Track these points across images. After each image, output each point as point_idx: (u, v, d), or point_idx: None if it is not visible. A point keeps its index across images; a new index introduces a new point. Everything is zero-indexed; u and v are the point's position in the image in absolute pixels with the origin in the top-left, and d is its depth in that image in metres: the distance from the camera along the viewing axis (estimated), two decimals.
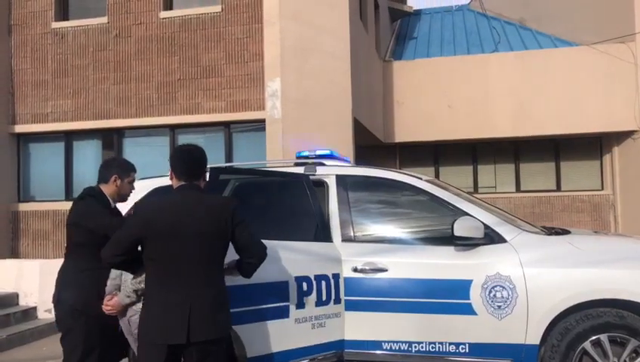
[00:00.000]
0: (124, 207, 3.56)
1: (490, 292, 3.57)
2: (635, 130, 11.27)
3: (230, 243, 2.90)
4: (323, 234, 3.91)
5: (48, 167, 10.25)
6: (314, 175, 4.13)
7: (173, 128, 9.64)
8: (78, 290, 3.30)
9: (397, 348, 3.71)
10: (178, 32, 9.46)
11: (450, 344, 3.64)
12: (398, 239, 4.03)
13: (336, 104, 8.38)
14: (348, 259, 3.83)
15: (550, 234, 4.05)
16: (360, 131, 9.35)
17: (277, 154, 8.29)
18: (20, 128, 10.09)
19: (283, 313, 3.49)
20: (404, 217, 4.23)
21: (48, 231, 9.95)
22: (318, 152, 4.45)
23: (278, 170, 4.27)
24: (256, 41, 9.13)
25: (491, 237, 3.69)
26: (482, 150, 12.86)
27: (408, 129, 12.10)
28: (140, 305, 2.95)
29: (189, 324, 2.63)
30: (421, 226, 4.15)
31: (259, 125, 9.05)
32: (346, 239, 3.94)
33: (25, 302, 6.84)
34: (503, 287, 3.56)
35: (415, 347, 3.69)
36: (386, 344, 3.73)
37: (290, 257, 3.61)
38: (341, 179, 4.13)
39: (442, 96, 11.83)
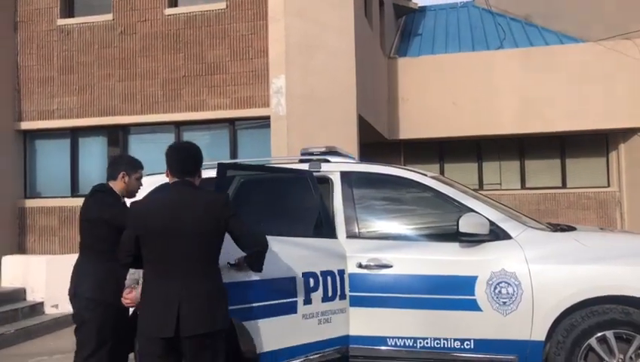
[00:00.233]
0: None
1: (495, 288, 3.57)
2: None
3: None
4: (328, 230, 3.92)
5: (54, 164, 10.29)
6: (319, 171, 4.14)
7: (179, 125, 9.66)
8: (94, 284, 3.36)
9: (402, 343, 3.72)
10: (183, 28, 9.47)
11: (455, 340, 3.65)
12: (402, 235, 4.04)
13: (341, 101, 8.38)
14: (353, 255, 3.84)
15: (556, 230, 4.05)
16: (364, 128, 9.34)
17: (282, 151, 8.30)
18: (26, 125, 10.14)
19: (291, 309, 3.50)
20: (408, 214, 4.24)
21: (54, 227, 10.00)
22: (323, 149, 4.45)
23: (282, 167, 4.28)
24: (261, 37, 9.13)
25: (496, 234, 3.70)
26: (487, 147, 12.83)
27: (413, 126, 12.09)
28: None
29: (178, 319, 2.67)
30: (426, 223, 4.15)
31: (263, 122, 9.06)
32: (351, 235, 3.95)
33: (32, 297, 6.89)
34: (508, 284, 3.56)
35: (420, 343, 3.70)
36: (391, 339, 3.74)
37: (296, 253, 3.63)
38: (346, 176, 4.14)
39: (447, 93, 11.80)
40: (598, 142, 12.51)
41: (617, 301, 3.47)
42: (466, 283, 3.61)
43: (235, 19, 9.29)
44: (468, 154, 12.93)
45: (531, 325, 3.53)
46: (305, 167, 4.19)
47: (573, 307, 3.50)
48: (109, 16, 9.78)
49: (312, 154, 4.42)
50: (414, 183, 4.07)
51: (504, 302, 3.56)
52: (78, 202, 10.56)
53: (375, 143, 11.74)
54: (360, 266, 3.80)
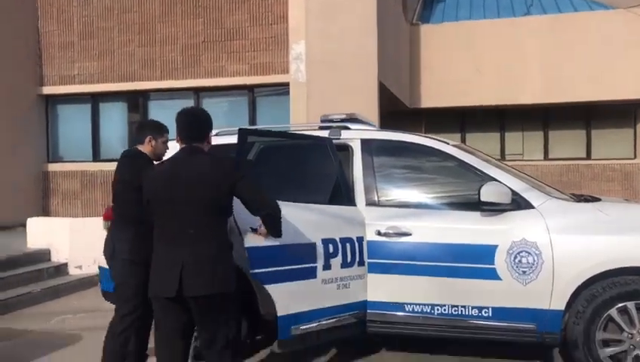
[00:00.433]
0: None
1: (515, 257, 3.55)
2: None
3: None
4: (347, 198, 3.92)
5: (76, 129, 10.41)
6: (338, 139, 4.11)
7: (198, 91, 9.65)
8: (130, 245, 3.42)
9: (419, 310, 3.74)
10: None
11: (472, 307, 3.65)
12: (422, 204, 4.01)
13: (362, 67, 8.26)
14: (372, 222, 3.84)
15: (579, 201, 3.99)
16: (385, 96, 9.22)
17: (301, 118, 8.25)
18: (47, 90, 10.22)
19: (311, 274, 3.53)
20: (429, 182, 4.20)
21: (77, 191, 10.17)
22: (343, 116, 4.41)
23: (302, 134, 4.25)
24: (280, 2, 8.99)
25: (518, 203, 3.65)
26: (510, 116, 12.61)
27: (435, 94, 11.91)
28: None
29: (180, 279, 2.75)
30: (446, 191, 4.11)
31: (283, 89, 8.99)
32: (370, 203, 3.94)
33: (56, 258, 7.04)
34: (529, 253, 3.54)
35: (437, 309, 3.71)
36: (408, 306, 3.76)
37: (316, 220, 3.64)
38: (366, 143, 4.10)
39: (471, 60, 11.57)
40: (625, 113, 12.20)
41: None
42: (486, 252, 3.59)
43: None
44: (490, 123, 12.74)
45: (551, 295, 3.51)
46: (325, 134, 4.16)
47: (594, 277, 3.47)
48: None
49: (332, 121, 4.39)
50: (436, 151, 4.02)
51: (524, 272, 3.54)
52: (100, 167, 10.74)
53: (396, 111, 11.61)
54: (379, 234, 3.80)
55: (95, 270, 5.36)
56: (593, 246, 3.49)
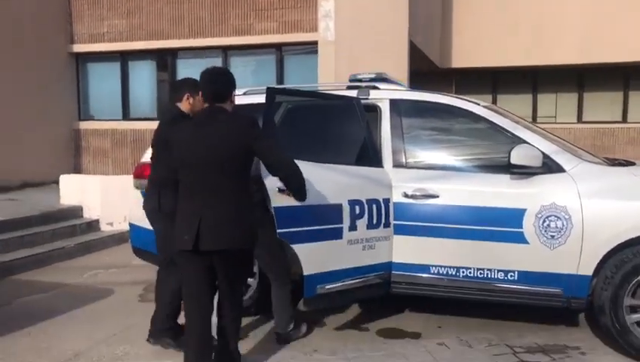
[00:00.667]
0: None
1: (544, 221, 3.50)
2: None
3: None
4: (374, 159, 3.89)
5: (106, 87, 10.50)
6: (367, 99, 4.06)
7: (225, 50, 9.60)
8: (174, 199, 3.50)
9: (444, 272, 3.74)
10: None
11: (498, 271, 3.63)
12: (451, 166, 3.96)
13: (392, 26, 8.07)
14: (398, 184, 3.82)
15: (613, 165, 3.89)
16: (416, 55, 9.03)
17: (329, 78, 8.16)
18: (78, 47, 10.29)
19: (337, 234, 3.54)
20: (458, 144, 4.13)
21: (107, 149, 10.35)
22: (372, 75, 4.34)
23: (330, 93, 4.20)
24: None
25: (549, 167, 3.58)
26: (544, 77, 12.26)
27: (466, 54, 11.63)
28: None
29: (197, 234, 2.85)
30: (476, 153, 4.04)
31: (311, 48, 8.87)
32: (398, 165, 3.91)
33: (88, 214, 7.23)
34: (558, 217, 3.48)
35: (462, 272, 3.71)
36: (434, 268, 3.76)
37: (343, 181, 3.63)
38: (395, 104, 4.04)
39: (504, 19, 11.22)
40: None
41: None
42: (514, 216, 3.55)
43: None
44: (522, 84, 12.42)
45: (579, 260, 3.47)
46: (353, 94, 4.11)
47: (624, 243, 3.40)
48: None
49: (360, 80, 4.33)
50: (466, 113, 3.94)
51: (552, 236, 3.49)
52: (130, 125, 10.84)
53: (426, 72, 11.38)
54: (405, 196, 3.78)
55: (125, 227, 5.50)
56: (626, 211, 3.41)
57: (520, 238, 3.55)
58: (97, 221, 7.18)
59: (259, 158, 2.99)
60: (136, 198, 4.54)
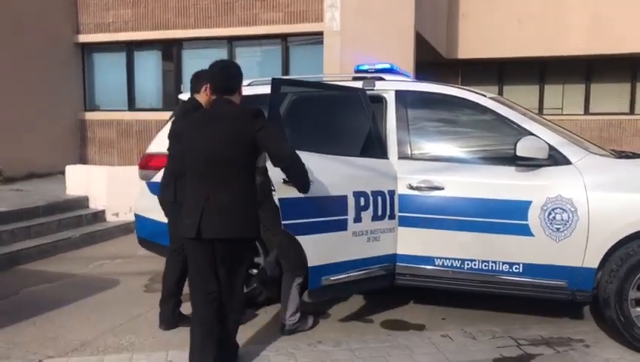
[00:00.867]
0: None
1: (549, 214, 3.48)
2: None
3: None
4: (379, 150, 3.88)
5: (111, 78, 10.50)
6: (372, 90, 4.04)
7: (231, 40, 9.57)
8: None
9: (449, 264, 3.74)
10: None
11: (503, 263, 3.63)
12: (456, 158, 3.94)
13: (398, 16, 8.02)
14: (403, 176, 3.80)
15: (620, 157, 3.86)
16: (421, 46, 8.97)
17: (334, 68, 8.13)
18: (83, 38, 10.29)
19: (342, 226, 3.54)
20: (464, 136, 4.11)
21: (113, 139, 10.37)
22: (378, 66, 4.32)
23: (335, 84, 4.19)
24: None
25: (555, 159, 3.56)
26: (551, 68, 12.16)
27: (473, 45, 11.54)
28: None
29: (200, 222, 2.92)
30: (481, 145, 4.02)
31: (317, 38, 8.83)
32: (403, 156, 3.90)
33: (94, 205, 7.26)
34: (564, 210, 3.46)
35: (467, 264, 3.70)
36: (438, 260, 3.76)
37: (348, 172, 3.63)
38: (400, 95, 4.02)
39: (511, 9, 11.12)
40: None
41: None
42: (520, 208, 3.54)
43: None
44: (529, 75, 12.32)
45: (584, 252, 3.46)
46: (358, 84, 4.09)
47: (630, 236, 3.38)
48: None
49: (366, 71, 4.30)
50: (472, 104, 3.92)
51: (557, 229, 3.48)
52: (135, 116, 10.84)
53: (432, 62, 11.30)
54: (411, 187, 3.77)
55: (131, 217, 5.51)
56: (632, 204, 3.39)
57: (525, 231, 3.53)
58: (103, 211, 7.21)
59: (261, 148, 3.01)
60: (142, 189, 4.57)
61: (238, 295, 3.18)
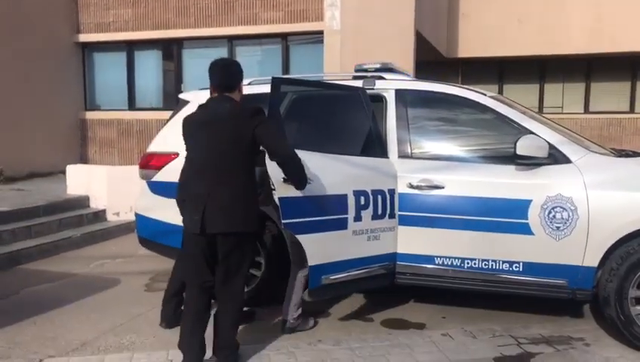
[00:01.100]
0: None
1: (549, 212, 3.48)
2: None
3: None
4: (379, 149, 3.88)
5: (112, 77, 10.51)
6: (372, 89, 4.04)
7: (231, 39, 9.57)
8: None
9: (449, 263, 3.74)
10: None
11: (503, 262, 3.63)
12: (456, 157, 3.94)
13: (398, 15, 8.02)
14: (404, 175, 3.81)
15: (620, 156, 3.86)
16: (422, 45, 8.98)
17: (335, 68, 8.13)
18: (84, 37, 10.29)
19: (342, 225, 3.54)
20: (464, 135, 4.11)
21: (113, 139, 10.37)
22: (377, 66, 4.32)
23: (335, 83, 4.19)
24: None
25: (555, 158, 3.56)
26: (551, 67, 12.16)
27: (473, 44, 11.54)
28: None
29: (203, 217, 2.98)
30: (481, 144, 4.02)
31: (317, 37, 8.84)
32: (403, 155, 3.90)
33: (95, 204, 7.26)
34: (564, 209, 3.47)
35: (467, 263, 3.70)
36: (438, 259, 3.76)
37: (348, 171, 3.62)
38: (401, 94, 4.03)
39: (511, 8, 11.12)
40: None
41: None
42: (520, 207, 3.54)
43: None
44: (529, 74, 12.32)
45: (584, 251, 3.46)
46: (358, 84, 4.09)
47: (630, 234, 3.38)
48: None
49: (366, 70, 4.31)
50: (472, 103, 3.92)
51: (557, 227, 3.48)
52: (136, 115, 10.83)
53: (432, 61, 11.31)
54: (411, 186, 3.77)
55: (132, 217, 5.51)
56: (632, 202, 3.39)
57: (525, 229, 3.53)
58: (104, 211, 7.21)
59: (260, 144, 3.06)
60: (143, 188, 4.57)
61: (235, 295, 3.19)
